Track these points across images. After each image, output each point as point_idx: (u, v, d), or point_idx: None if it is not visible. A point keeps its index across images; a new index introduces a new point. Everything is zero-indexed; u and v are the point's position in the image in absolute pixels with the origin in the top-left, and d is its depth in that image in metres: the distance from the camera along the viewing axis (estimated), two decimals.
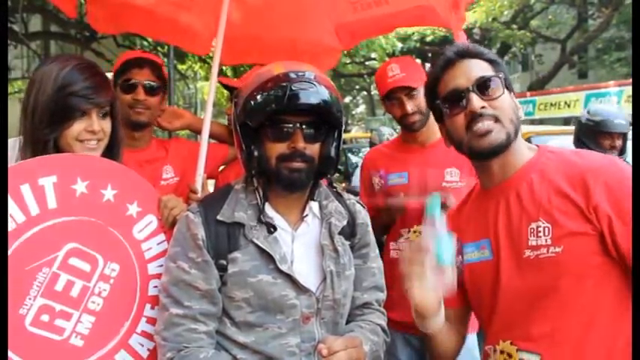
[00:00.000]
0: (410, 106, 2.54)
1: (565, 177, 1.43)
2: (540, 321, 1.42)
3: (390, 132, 6.55)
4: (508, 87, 1.53)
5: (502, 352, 1.50)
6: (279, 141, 1.51)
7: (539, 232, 1.42)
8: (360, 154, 11.05)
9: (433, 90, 1.59)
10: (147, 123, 2.40)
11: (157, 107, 2.42)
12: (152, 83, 2.35)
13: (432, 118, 2.56)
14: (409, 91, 2.53)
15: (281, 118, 1.50)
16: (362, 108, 40.92)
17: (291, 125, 1.50)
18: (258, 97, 1.49)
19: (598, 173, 1.38)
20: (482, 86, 1.48)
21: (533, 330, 1.43)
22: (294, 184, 1.55)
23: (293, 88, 1.45)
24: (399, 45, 16.31)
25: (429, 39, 19.03)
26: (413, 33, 18.86)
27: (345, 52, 13.14)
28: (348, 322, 1.67)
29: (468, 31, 17.65)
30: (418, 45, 19.36)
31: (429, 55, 20.29)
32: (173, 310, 1.51)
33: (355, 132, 19.92)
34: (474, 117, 1.46)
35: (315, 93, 1.47)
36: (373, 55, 16.80)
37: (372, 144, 6.11)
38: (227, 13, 2.49)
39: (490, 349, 1.55)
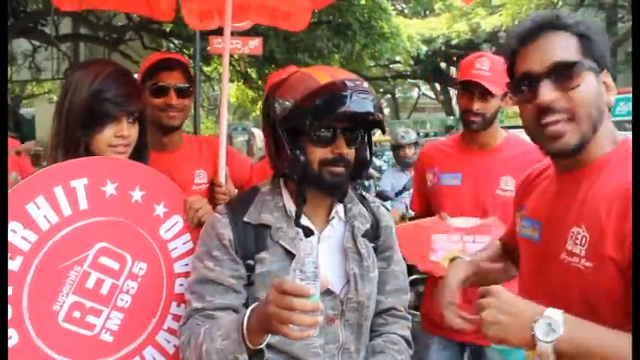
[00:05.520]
0: (477, 106, 2.43)
1: (625, 184, 1.21)
2: None
3: (404, 131, 6.22)
4: (598, 66, 1.30)
5: None
6: (323, 145, 1.51)
7: (577, 239, 1.27)
8: (384, 158, 11.01)
9: (511, 64, 1.39)
10: (179, 126, 2.38)
11: (188, 109, 2.40)
12: (183, 85, 2.31)
13: (496, 123, 2.49)
14: (485, 92, 2.42)
15: (326, 123, 1.49)
16: (385, 111, 40.72)
17: (335, 131, 1.51)
18: (317, 103, 1.46)
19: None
20: (559, 73, 1.26)
21: None
22: (336, 189, 1.56)
23: (354, 97, 1.45)
24: (424, 48, 16.21)
25: (454, 42, 18.91)
26: (438, 36, 18.75)
27: (369, 54, 13.09)
28: (371, 332, 1.67)
29: (494, 35, 17.50)
30: (443, 48, 19.25)
31: (454, 58, 20.15)
32: (195, 304, 1.53)
33: (378, 136, 19.80)
34: (543, 110, 1.28)
35: (372, 101, 1.48)
36: (397, 58, 16.71)
37: (394, 146, 5.95)
38: None
39: None
